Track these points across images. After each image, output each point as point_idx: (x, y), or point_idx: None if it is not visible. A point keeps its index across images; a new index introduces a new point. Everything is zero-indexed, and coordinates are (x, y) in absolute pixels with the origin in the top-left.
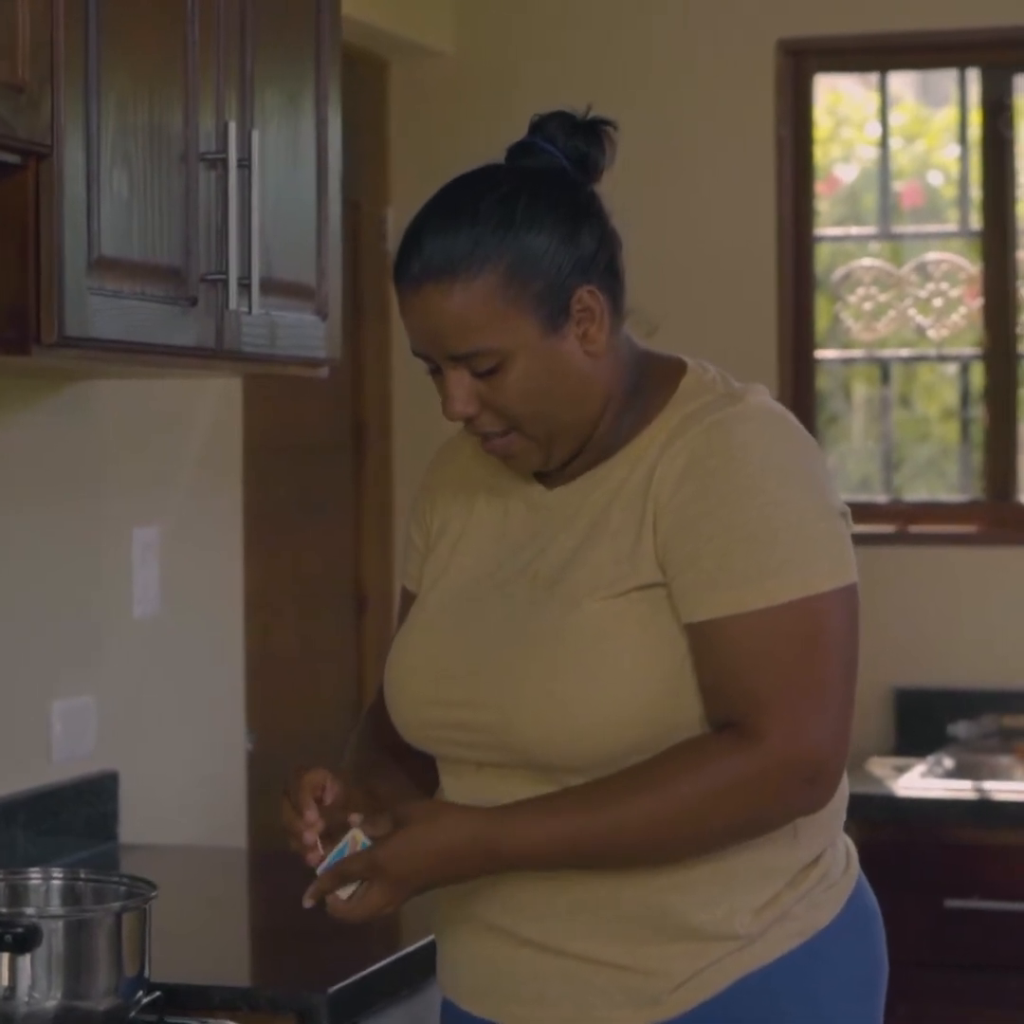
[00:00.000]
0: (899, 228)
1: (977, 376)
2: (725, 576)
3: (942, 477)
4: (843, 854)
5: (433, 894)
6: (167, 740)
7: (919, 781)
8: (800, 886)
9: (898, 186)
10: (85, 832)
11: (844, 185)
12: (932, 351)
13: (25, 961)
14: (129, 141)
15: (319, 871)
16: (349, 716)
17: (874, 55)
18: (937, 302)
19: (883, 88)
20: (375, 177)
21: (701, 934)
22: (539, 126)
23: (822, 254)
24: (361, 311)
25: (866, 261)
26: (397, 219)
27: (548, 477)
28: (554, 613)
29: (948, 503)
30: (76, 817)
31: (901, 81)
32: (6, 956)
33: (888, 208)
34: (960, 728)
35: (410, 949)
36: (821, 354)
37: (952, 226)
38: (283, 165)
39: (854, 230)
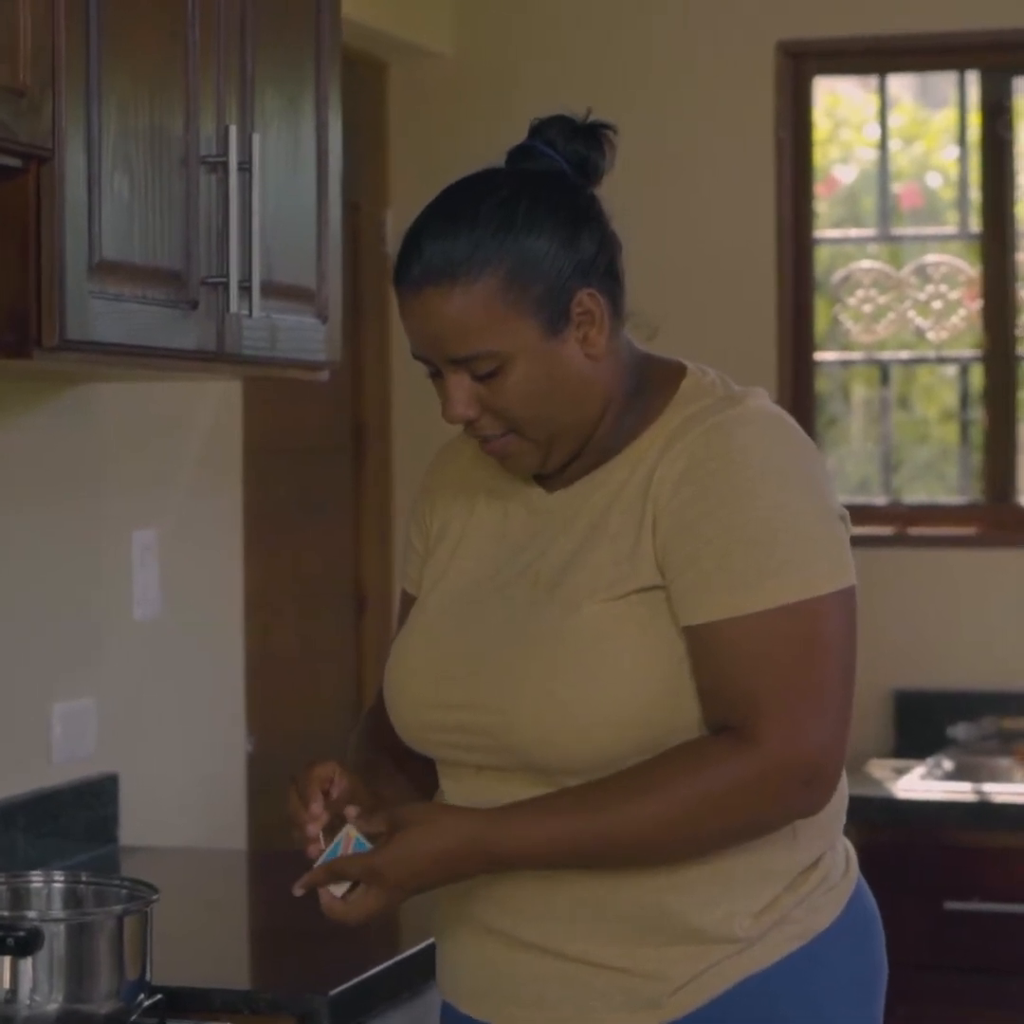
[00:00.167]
0: (898, 230)
1: (976, 378)
2: (724, 578)
3: (941, 479)
4: (842, 857)
5: (433, 896)
6: (167, 742)
7: (919, 783)
8: (799, 889)
9: (897, 188)
10: (85, 834)
11: (843, 186)
12: (931, 353)
13: (27, 964)
14: (130, 144)
15: (315, 866)
16: (349, 717)
17: (874, 57)
18: (936, 304)
19: (882, 90)
20: (374, 179)
21: (700, 936)
22: (539, 130)
23: (821, 256)
24: (361, 313)
25: (865, 263)
26: (397, 221)
27: (548, 480)
28: (554, 615)
29: (947, 505)
30: (76, 819)
31: (899, 83)
32: (8, 959)
33: (887, 210)
34: (959, 730)
35: (410, 952)
36: (820, 356)
37: (951, 228)
38: (283, 168)
39: (853, 232)
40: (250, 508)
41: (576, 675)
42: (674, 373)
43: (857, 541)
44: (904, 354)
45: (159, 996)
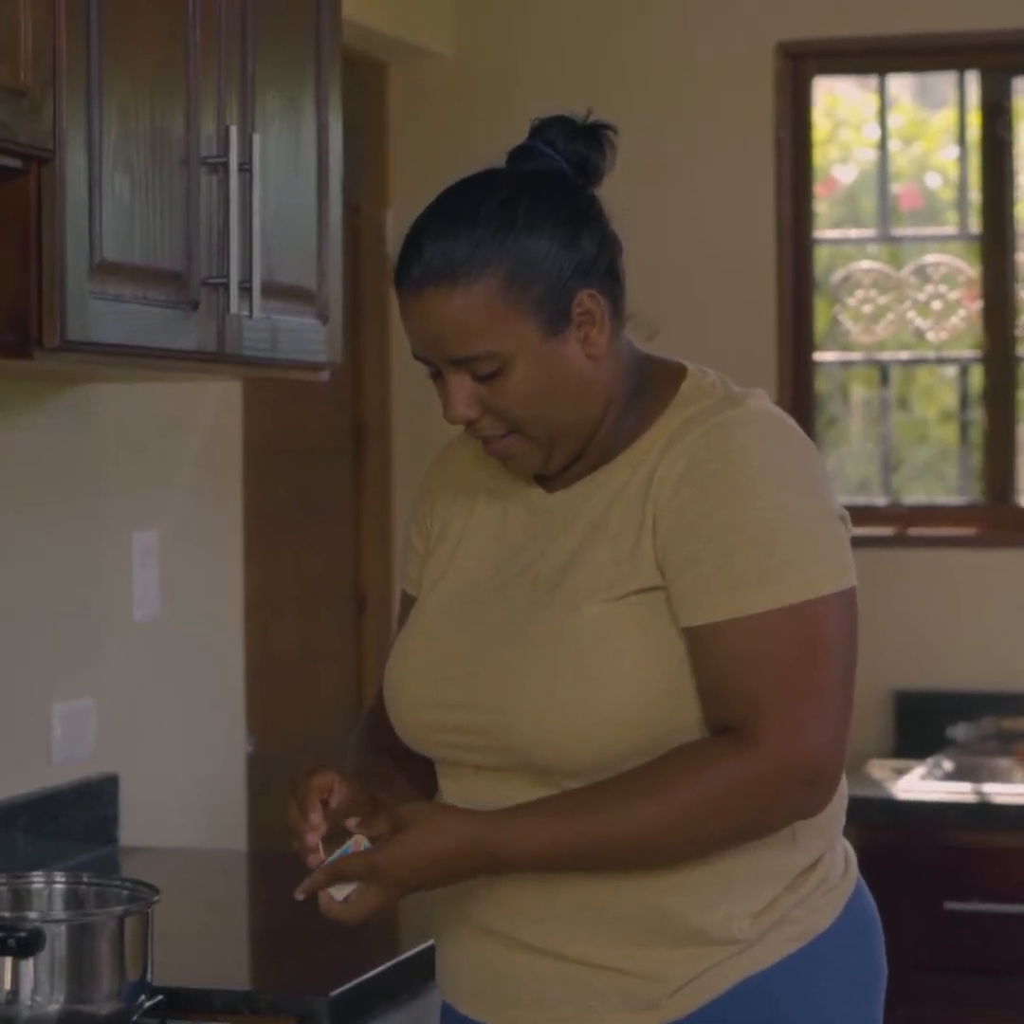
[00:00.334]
0: (898, 231)
1: (976, 379)
2: (724, 579)
3: (941, 480)
4: (842, 858)
5: (432, 897)
6: (167, 742)
7: (918, 783)
8: (799, 890)
9: (896, 188)
10: (85, 835)
11: (842, 187)
12: (931, 354)
13: (28, 965)
14: (131, 145)
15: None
16: (349, 717)
17: (873, 57)
18: (936, 305)
19: (882, 90)
20: (374, 179)
21: (700, 937)
22: (539, 130)
23: (821, 256)
24: (361, 313)
25: (865, 263)
26: (396, 222)
27: (548, 480)
28: (554, 616)
29: (947, 506)
30: (76, 820)
31: (899, 83)
32: (9, 960)
33: (887, 210)
34: (959, 730)
35: (410, 953)
36: (820, 356)
37: (951, 229)
38: (284, 169)
39: (853, 233)
40: (250, 509)
41: (576, 675)
42: (674, 374)
43: (857, 542)
44: (904, 354)
45: (160, 997)
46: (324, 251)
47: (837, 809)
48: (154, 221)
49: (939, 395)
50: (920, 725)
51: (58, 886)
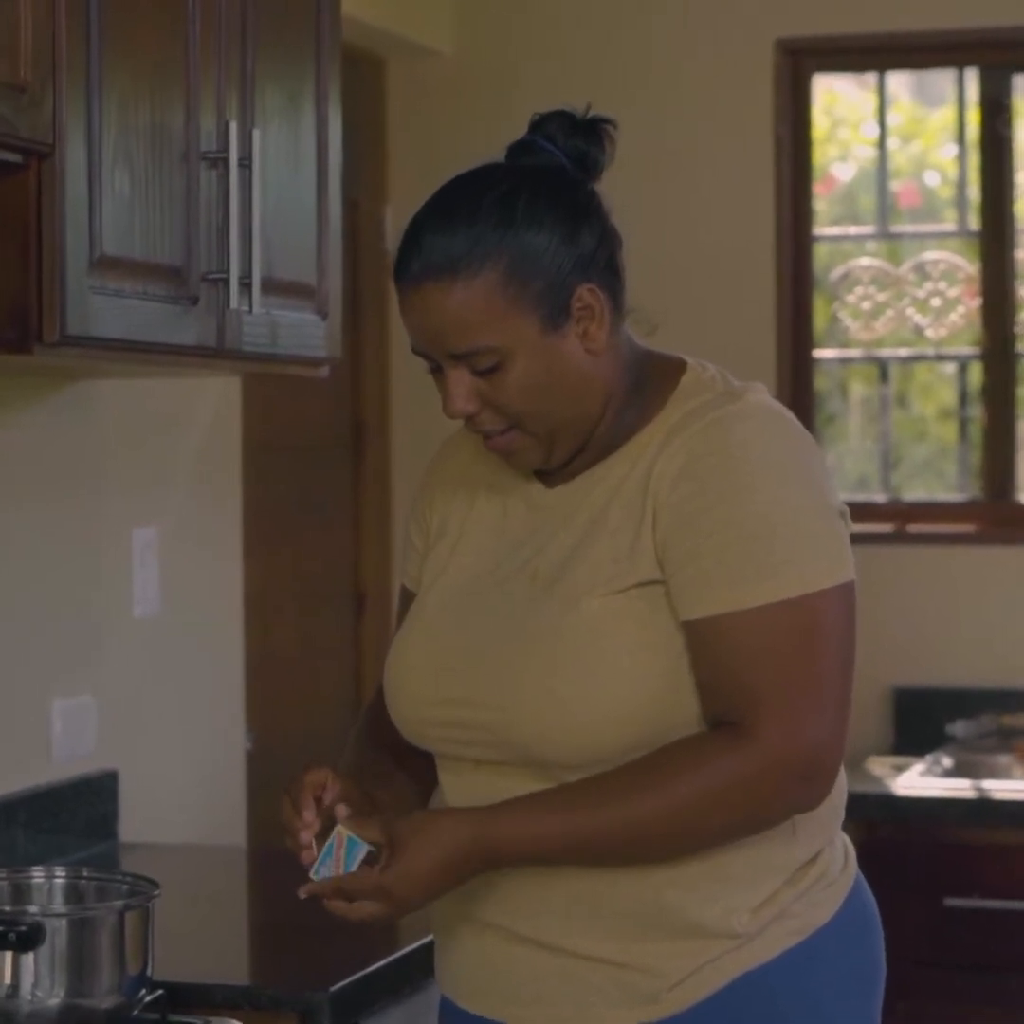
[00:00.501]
0: (897, 227)
1: (975, 375)
2: (723, 573)
3: (940, 477)
4: (841, 852)
5: None
6: (167, 739)
7: (918, 780)
8: (799, 884)
9: (895, 186)
10: (85, 831)
11: (841, 185)
12: (930, 350)
13: (28, 959)
14: (130, 140)
15: (311, 873)
16: (348, 714)
17: (872, 55)
18: (935, 301)
19: (881, 88)
20: (374, 176)
21: (699, 931)
22: (539, 125)
23: (820, 253)
24: (360, 310)
25: (864, 260)
26: (396, 218)
27: (548, 476)
28: (553, 611)
29: (946, 502)
30: (76, 816)
31: (897, 81)
32: (9, 954)
33: (886, 209)
34: (959, 727)
35: (410, 948)
36: (819, 353)
37: (950, 225)
38: (283, 164)
39: (852, 229)
40: (249, 506)
41: (575, 672)
42: (674, 368)
43: (856, 539)
44: (903, 351)
45: (160, 991)
46: (324, 246)
47: (837, 803)
48: (154, 216)
49: (938, 392)
50: (920, 722)
51: (58, 880)
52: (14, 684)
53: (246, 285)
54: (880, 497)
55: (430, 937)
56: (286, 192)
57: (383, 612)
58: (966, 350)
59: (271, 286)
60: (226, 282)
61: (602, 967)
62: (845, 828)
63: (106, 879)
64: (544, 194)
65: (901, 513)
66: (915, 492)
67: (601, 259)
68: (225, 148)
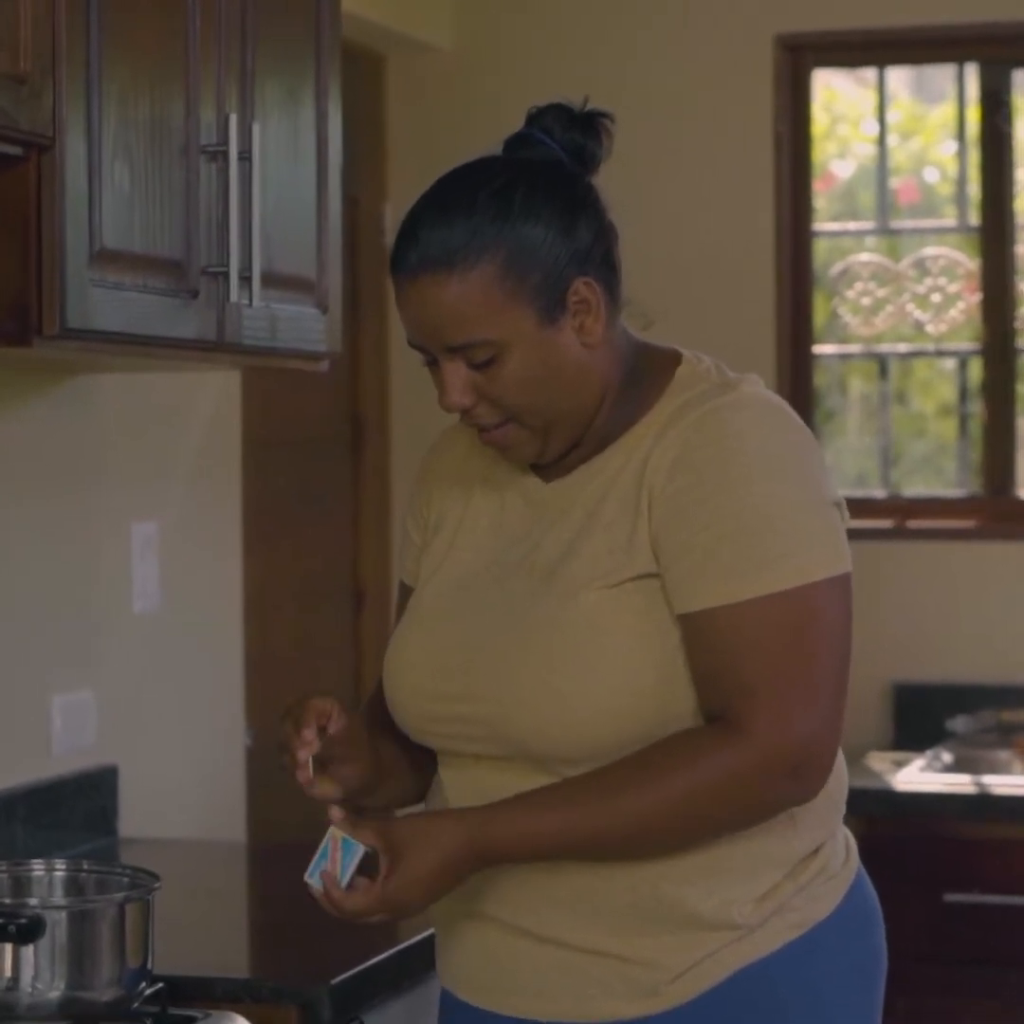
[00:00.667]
0: (897, 223)
1: (975, 371)
2: (718, 566)
3: (940, 473)
4: (842, 846)
5: None
6: (167, 734)
7: (918, 776)
8: (799, 877)
9: (894, 183)
10: (85, 826)
11: (840, 182)
12: (930, 346)
13: (28, 952)
14: (130, 133)
15: (307, 875)
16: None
17: (872, 50)
18: (935, 297)
19: (881, 84)
20: (373, 173)
21: (699, 924)
22: (536, 118)
23: (820, 249)
24: (359, 306)
25: (864, 256)
26: (395, 215)
27: (545, 469)
28: (551, 605)
29: (946, 498)
30: (76, 811)
31: (896, 78)
32: (10, 947)
33: (886, 206)
34: (958, 723)
35: (411, 941)
36: (819, 349)
37: (950, 221)
38: (283, 158)
39: (852, 225)
40: (248, 501)
41: (573, 666)
42: (670, 361)
43: (856, 534)
44: (902, 347)
45: (160, 984)
46: (323, 240)
47: (837, 797)
48: (154, 209)
49: (938, 388)
50: (919, 717)
51: (58, 873)
52: (14, 679)
53: (246, 279)
54: (880, 493)
55: (430, 930)
56: (286, 186)
57: (382, 608)
58: (966, 346)
59: (271, 280)
60: (226, 276)
61: (602, 960)
62: (845, 823)
63: (106, 872)
64: (541, 187)
65: (901, 509)
66: (915, 488)
67: (598, 253)
68: (225, 142)
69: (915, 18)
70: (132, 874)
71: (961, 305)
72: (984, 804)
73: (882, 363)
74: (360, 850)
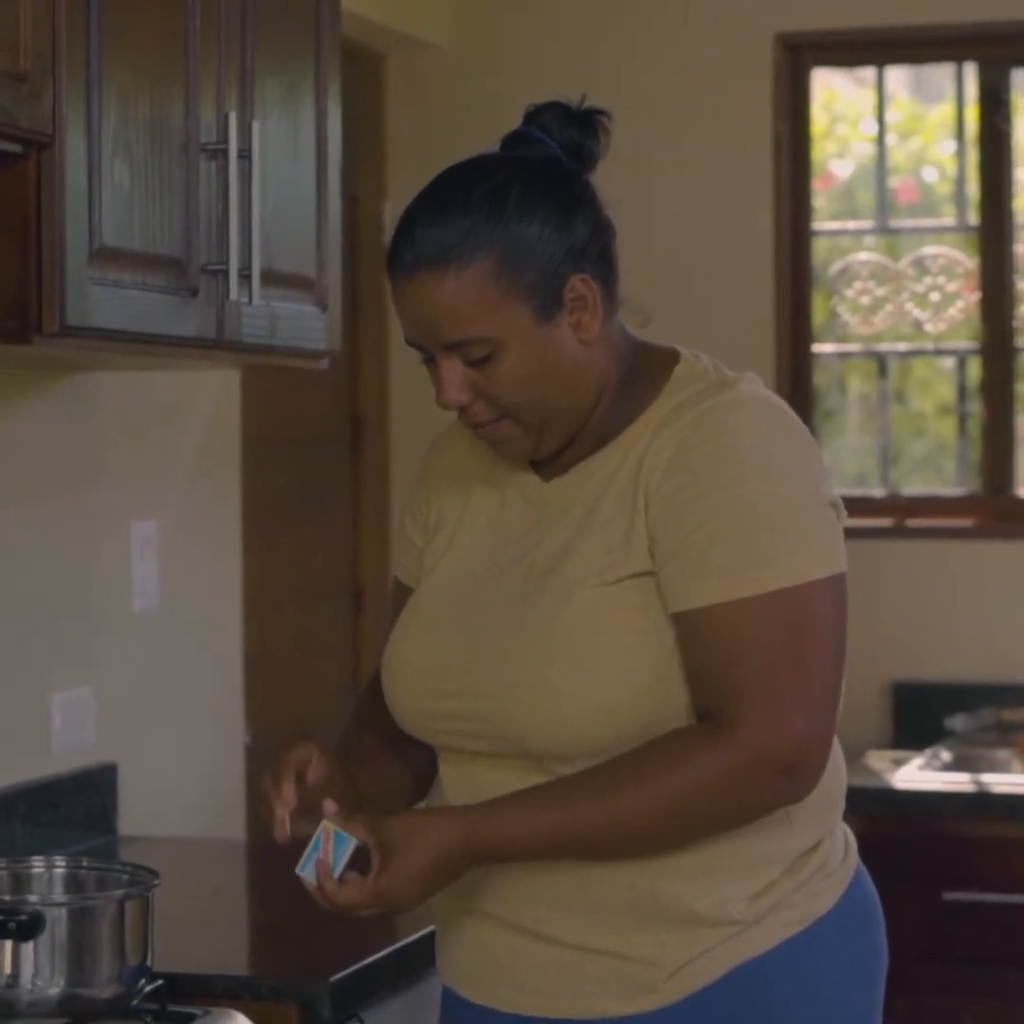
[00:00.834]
0: (896, 222)
1: (974, 370)
2: (712, 565)
3: (939, 472)
4: (842, 843)
5: None
6: (166, 733)
7: (917, 774)
8: (798, 874)
9: (893, 183)
10: (84, 824)
11: (839, 181)
12: (929, 345)
13: (28, 949)
14: (130, 131)
15: (298, 868)
16: (346, 708)
17: (871, 49)
18: (934, 296)
19: (880, 83)
20: (372, 172)
21: (695, 921)
22: (534, 116)
23: (819, 248)
24: (358, 305)
25: (863, 255)
26: (394, 213)
27: (544, 468)
28: (548, 603)
29: (945, 497)
30: (75, 809)
31: (895, 78)
32: (9, 944)
33: (885, 205)
34: (958, 721)
35: (410, 939)
36: (818, 348)
37: (949, 220)
38: (283, 156)
39: (851, 224)
40: (248, 499)
41: (570, 664)
42: (667, 359)
43: (855, 533)
44: (901, 346)
45: (160, 982)
46: (323, 238)
47: (836, 794)
48: (153, 207)
49: (937, 387)
50: (918, 716)
51: (58, 870)
52: (14, 677)
53: (246, 277)
54: (879, 492)
55: (430, 928)
56: (286, 184)
57: (382, 607)
58: (965, 345)
59: (270, 278)
60: (226, 274)
61: (600, 958)
62: (844, 822)
63: (106, 869)
64: (537, 185)
65: (900, 508)
66: (914, 487)
67: (594, 249)
68: (225, 140)
69: (914, 17)
70: (132, 871)
71: (960, 304)
72: (983, 803)
73: (881, 362)
74: (352, 843)
